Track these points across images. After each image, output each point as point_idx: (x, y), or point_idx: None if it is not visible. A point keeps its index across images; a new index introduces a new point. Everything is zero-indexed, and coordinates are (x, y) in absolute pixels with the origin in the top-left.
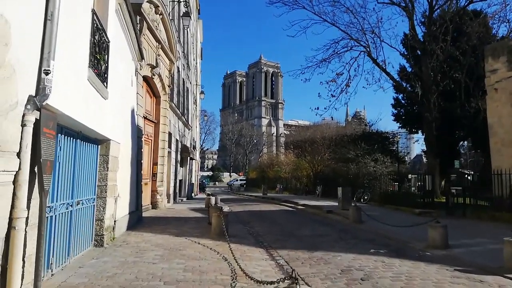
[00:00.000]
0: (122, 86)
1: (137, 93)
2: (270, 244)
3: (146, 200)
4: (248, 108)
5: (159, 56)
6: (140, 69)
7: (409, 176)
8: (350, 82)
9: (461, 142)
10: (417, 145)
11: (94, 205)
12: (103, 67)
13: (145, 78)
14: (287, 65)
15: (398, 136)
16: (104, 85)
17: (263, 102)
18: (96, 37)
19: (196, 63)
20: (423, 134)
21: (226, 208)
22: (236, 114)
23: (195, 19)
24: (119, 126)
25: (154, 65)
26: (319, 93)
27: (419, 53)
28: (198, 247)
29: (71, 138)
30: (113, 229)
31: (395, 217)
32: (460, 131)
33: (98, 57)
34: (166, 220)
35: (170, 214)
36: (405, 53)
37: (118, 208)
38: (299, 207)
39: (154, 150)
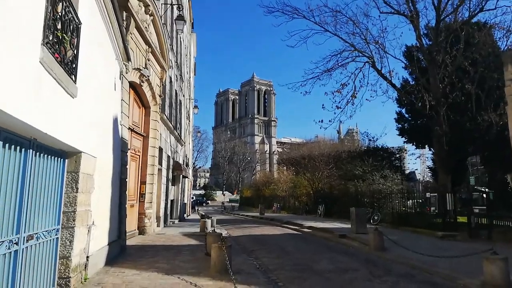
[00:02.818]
0: (101, 87)
1: (122, 99)
2: (287, 285)
3: (131, 225)
4: (241, 125)
5: (149, 61)
6: (126, 73)
7: (427, 194)
8: (356, 93)
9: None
10: (418, 160)
11: (57, 238)
12: (69, 54)
13: (132, 85)
14: (280, 82)
15: (405, 152)
16: (72, 78)
17: (256, 119)
18: (58, 9)
19: (190, 77)
20: (430, 149)
21: (224, 232)
22: (228, 132)
23: (188, 31)
24: (95, 136)
25: (146, 75)
26: (323, 105)
27: (424, 65)
28: None
29: (18, 147)
30: (85, 267)
31: (417, 242)
32: (469, 146)
33: (61, 36)
34: (154, 250)
35: (159, 242)
36: (408, 66)
37: (93, 239)
38: (305, 230)
39: (142, 167)
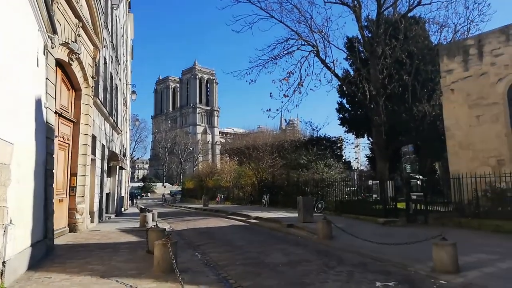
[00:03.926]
0: (18, 61)
1: (47, 78)
2: (239, 282)
3: (61, 221)
4: (183, 115)
5: (79, 36)
6: (52, 48)
7: (369, 182)
8: (303, 82)
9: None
10: (355, 150)
11: None
12: None
13: (60, 63)
14: (224, 71)
15: (342, 141)
16: None
17: (198, 109)
18: None
19: (127, 60)
20: (368, 139)
21: (166, 227)
22: (169, 121)
23: (125, 11)
24: (12, 119)
25: (74, 49)
26: (270, 93)
27: (364, 56)
28: None
29: None
30: (1, 274)
31: (362, 229)
32: (404, 136)
33: None
34: (87, 250)
35: (93, 240)
36: (349, 56)
37: (12, 240)
38: (252, 220)
39: (73, 157)
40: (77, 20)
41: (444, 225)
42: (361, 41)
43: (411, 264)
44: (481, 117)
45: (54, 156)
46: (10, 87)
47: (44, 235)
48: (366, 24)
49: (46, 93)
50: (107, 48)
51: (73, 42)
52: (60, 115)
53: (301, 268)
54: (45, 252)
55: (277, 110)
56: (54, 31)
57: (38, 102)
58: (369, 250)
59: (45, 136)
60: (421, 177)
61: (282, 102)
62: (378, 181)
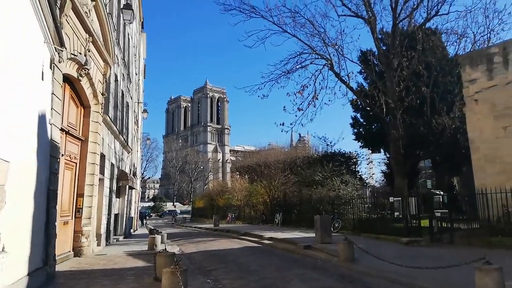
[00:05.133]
0: (19, 72)
1: (53, 93)
2: None
3: (65, 245)
4: (193, 134)
5: (89, 51)
6: (60, 62)
7: (390, 199)
8: (317, 95)
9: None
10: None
11: None
12: None
13: (68, 79)
14: (235, 88)
15: (356, 157)
16: None
17: (208, 127)
18: None
19: (139, 79)
20: (385, 154)
21: (176, 249)
22: (180, 140)
23: (138, 30)
24: (8, 135)
25: (82, 62)
26: (284, 107)
27: (378, 69)
28: None
29: None
30: None
31: (384, 250)
32: (422, 150)
33: None
34: (91, 277)
35: (98, 265)
36: (363, 70)
37: (3, 270)
38: (265, 241)
39: (80, 176)
40: (87, 34)
41: (472, 244)
42: (376, 54)
43: None
44: (508, 128)
45: (59, 175)
46: (7, 99)
47: (45, 261)
48: (381, 36)
49: (52, 109)
50: (118, 65)
51: (81, 54)
52: (67, 132)
53: None
54: (44, 281)
55: (290, 124)
56: (62, 44)
57: (42, 118)
58: (396, 274)
59: (48, 154)
60: (441, 193)
61: (296, 116)
62: (399, 198)
